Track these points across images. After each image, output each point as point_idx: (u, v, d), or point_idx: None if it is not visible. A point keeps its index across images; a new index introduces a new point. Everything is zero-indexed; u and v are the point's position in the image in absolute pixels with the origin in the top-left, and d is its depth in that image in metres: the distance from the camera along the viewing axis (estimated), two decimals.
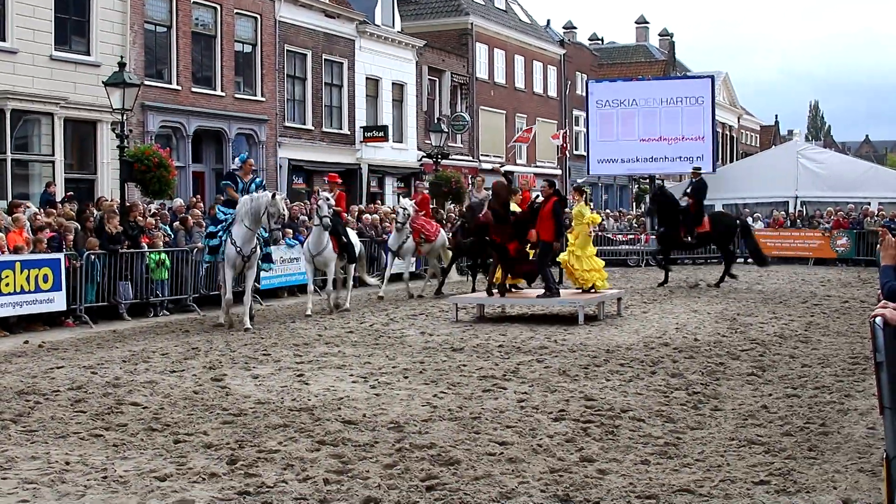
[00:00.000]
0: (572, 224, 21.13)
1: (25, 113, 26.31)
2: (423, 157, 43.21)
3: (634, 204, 59.12)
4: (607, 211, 49.93)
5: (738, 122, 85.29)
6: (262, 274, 21.27)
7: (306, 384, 12.01)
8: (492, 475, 7.85)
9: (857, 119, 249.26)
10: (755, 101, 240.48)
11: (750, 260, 38.23)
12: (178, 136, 31.88)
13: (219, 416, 10.10)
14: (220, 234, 18.49)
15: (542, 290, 19.39)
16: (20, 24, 26.04)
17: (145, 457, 8.50)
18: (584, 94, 48.48)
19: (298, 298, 22.48)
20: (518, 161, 52.70)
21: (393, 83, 43.47)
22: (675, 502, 7.22)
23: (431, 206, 36.32)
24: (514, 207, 20.15)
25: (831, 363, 13.49)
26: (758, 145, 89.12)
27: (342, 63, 40.10)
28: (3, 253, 18.01)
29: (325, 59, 39.03)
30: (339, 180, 22.82)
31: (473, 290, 24.08)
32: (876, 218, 36.47)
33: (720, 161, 56.13)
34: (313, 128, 38.38)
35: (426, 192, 28.43)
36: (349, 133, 40.51)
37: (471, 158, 48.98)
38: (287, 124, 36.90)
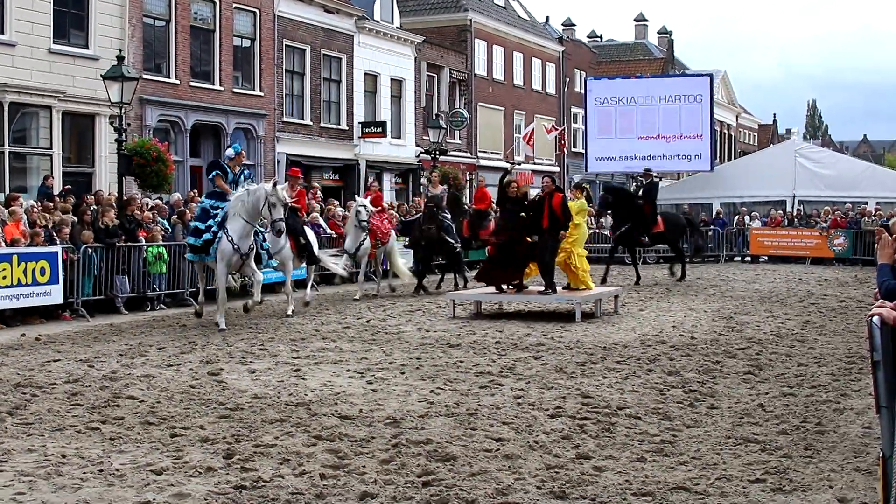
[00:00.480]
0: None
1: (23, 106, 26.30)
2: (422, 153, 43.20)
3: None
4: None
5: (737, 120, 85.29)
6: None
7: (303, 379, 12.01)
8: (488, 471, 7.86)
9: (854, 118, 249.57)
10: (753, 100, 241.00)
11: (747, 259, 38.53)
12: (177, 131, 31.86)
13: (215, 411, 10.10)
14: (212, 229, 17.16)
15: (542, 287, 19.40)
16: (19, 17, 26.01)
17: (142, 450, 8.50)
18: (582, 91, 48.52)
19: (296, 294, 22.37)
20: (516, 158, 52.70)
21: (391, 79, 43.45)
22: (671, 500, 7.22)
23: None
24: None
25: (828, 362, 13.50)
26: (756, 144, 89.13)
27: (341, 58, 40.08)
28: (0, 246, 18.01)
29: (324, 55, 39.01)
30: (300, 175, 22.44)
31: (418, 291, 24.18)
32: (873, 217, 36.48)
33: (718, 159, 56.13)
34: (311, 123, 38.36)
35: (378, 190, 27.50)
36: (347, 128, 40.50)
37: (469, 155, 48.98)
38: (285, 119, 36.89)
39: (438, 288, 25.22)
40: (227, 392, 11.15)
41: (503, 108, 52.94)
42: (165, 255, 20.77)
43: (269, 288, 23.74)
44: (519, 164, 51.38)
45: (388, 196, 40.64)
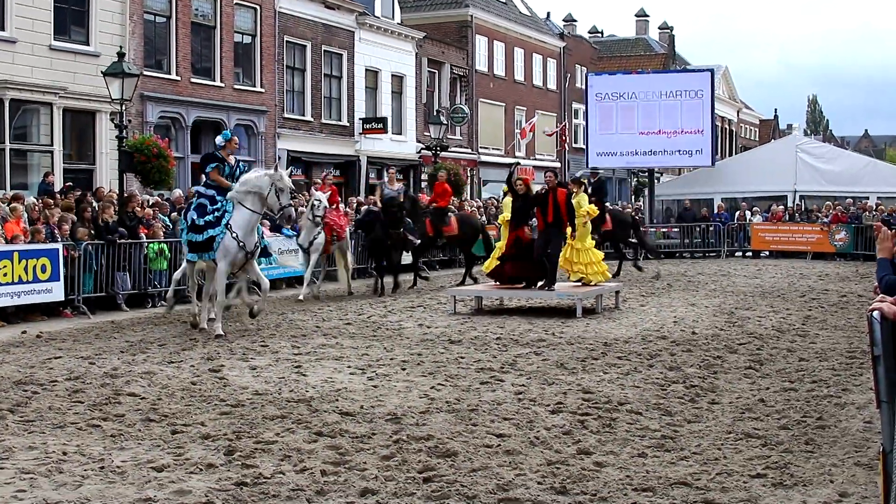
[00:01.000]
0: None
1: (24, 103, 26.29)
2: (422, 149, 43.19)
3: (633, 197, 59.13)
4: (606, 204, 49.94)
5: (738, 115, 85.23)
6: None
7: (304, 376, 12.01)
8: (489, 467, 7.86)
9: (855, 113, 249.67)
10: (754, 95, 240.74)
11: (748, 254, 38.53)
12: (177, 127, 31.86)
13: (216, 407, 10.10)
14: (214, 226, 15.85)
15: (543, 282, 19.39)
16: (19, 14, 26.01)
17: (143, 447, 8.51)
18: (583, 86, 48.42)
19: (296, 290, 22.41)
20: (517, 154, 52.67)
21: (392, 75, 43.42)
22: (671, 495, 7.22)
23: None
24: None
25: (829, 357, 13.50)
26: (757, 139, 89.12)
27: (342, 54, 40.06)
28: (1, 243, 18.01)
29: (325, 51, 38.99)
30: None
31: (377, 292, 22.82)
32: (874, 212, 36.47)
33: (719, 155, 56.11)
34: (312, 119, 38.34)
35: (333, 184, 26.36)
36: (348, 125, 40.48)
37: (470, 151, 48.97)
38: (286, 115, 36.87)
39: (394, 291, 23.44)
40: (228, 389, 11.16)
41: (504, 104, 52.91)
42: (167, 252, 20.76)
43: (270, 284, 23.65)
44: (518, 164, 51.27)
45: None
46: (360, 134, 40.82)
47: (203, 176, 16.82)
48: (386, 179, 25.08)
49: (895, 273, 6.87)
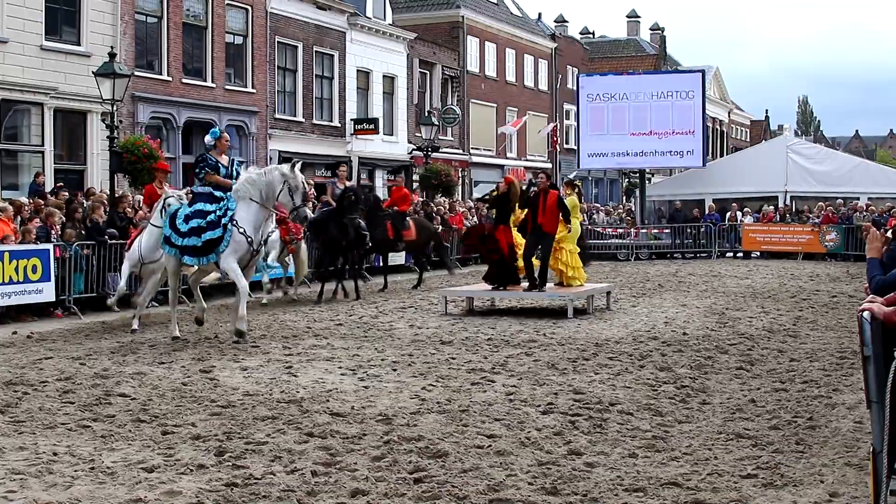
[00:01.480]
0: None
1: (15, 103, 26.28)
2: (414, 149, 43.21)
3: (625, 198, 59.21)
4: (597, 205, 50.05)
5: (729, 116, 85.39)
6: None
7: (295, 376, 12.00)
8: (480, 468, 7.86)
9: (846, 114, 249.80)
10: (745, 96, 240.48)
11: (739, 255, 38.58)
12: (169, 128, 31.85)
13: (207, 408, 10.09)
14: (217, 227, 14.81)
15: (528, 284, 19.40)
16: (10, 14, 25.98)
17: (133, 448, 8.49)
18: (574, 87, 48.50)
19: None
20: (508, 154, 52.71)
21: (384, 76, 43.44)
22: (662, 495, 7.22)
23: (422, 199, 36.44)
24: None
25: (819, 358, 13.52)
26: (748, 140, 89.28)
27: (333, 55, 40.07)
28: None
29: (316, 51, 39.01)
30: (170, 169, 20.89)
31: (320, 300, 21.46)
32: (865, 213, 36.54)
33: (710, 155, 56.19)
34: (304, 120, 38.35)
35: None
36: (339, 125, 40.49)
37: (461, 151, 49.00)
38: (278, 116, 36.88)
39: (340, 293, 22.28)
40: (218, 390, 11.14)
41: (495, 105, 52.95)
42: None
43: (259, 285, 23.56)
44: (505, 166, 51.31)
45: (380, 193, 40.60)
46: (352, 135, 40.86)
47: (196, 180, 15.71)
48: (336, 179, 23.98)
49: (885, 273, 6.89)
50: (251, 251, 14.99)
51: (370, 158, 42.04)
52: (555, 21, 68.56)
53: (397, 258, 28.65)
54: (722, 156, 69.09)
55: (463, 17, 49.86)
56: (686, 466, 7.95)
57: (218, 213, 14.89)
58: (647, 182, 46.20)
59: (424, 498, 7.15)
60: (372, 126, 41.11)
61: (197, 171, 15.50)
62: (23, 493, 7.19)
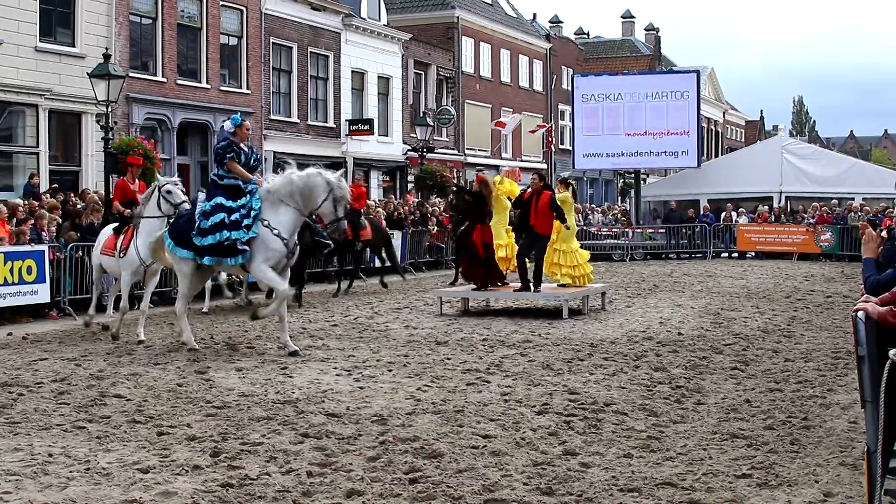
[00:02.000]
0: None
1: (10, 104, 26.24)
2: (409, 150, 43.21)
3: (620, 198, 59.24)
4: (593, 205, 50.06)
5: (724, 117, 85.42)
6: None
7: (290, 377, 12.01)
8: (475, 468, 7.87)
9: (841, 114, 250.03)
10: (740, 96, 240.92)
11: (734, 255, 38.61)
12: (163, 129, 31.81)
13: (202, 409, 10.09)
14: (238, 228, 13.73)
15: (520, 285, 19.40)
16: (5, 15, 25.93)
17: (128, 449, 8.49)
18: (569, 88, 48.53)
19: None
20: (504, 155, 52.70)
21: (378, 76, 43.42)
22: (657, 495, 7.24)
23: (417, 199, 36.45)
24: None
25: (814, 358, 13.55)
26: (743, 140, 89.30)
27: (328, 56, 40.05)
28: None
29: (311, 52, 38.98)
30: (142, 163, 19.53)
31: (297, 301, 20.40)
32: (860, 213, 36.59)
33: (705, 156, 56.19)
34: (299, 121, 38.32)
35: None
36: (335, 126, 40.47)
37: (456, 152, 48.99)
38: (272, 117, 36.85)
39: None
40: (214, 390, 11.15)
41: (490, 106, 52.94)
42: None
43: (255, 285, 23.45)
44: (500, 167, 51.31)
45: (376, 194, 40.59)
46: (347, 135, 40.83)
47: (217, 169, 14.51)
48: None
49: (880, 273, 6.91)
50: (289, 255, 14.00)
51: (365, 159, 42.02)
52: (549, 22, 68.51)
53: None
54: (717, 156, 69.11)
55: (458, 17, 49.86)
56: (681, 466, 7.96)
57: (242, 211, 13.83)
58: (642, 182, 46.26)
59: (420, 498, 7.16)
60: (367, 127, 41.09)
61: (220, 154, 14.26)
62: (18, 495, 7.19)
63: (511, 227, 21.50)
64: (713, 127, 79.67)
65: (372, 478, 7.60)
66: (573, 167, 46.10)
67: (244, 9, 35.00)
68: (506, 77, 54.98)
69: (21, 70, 26.22)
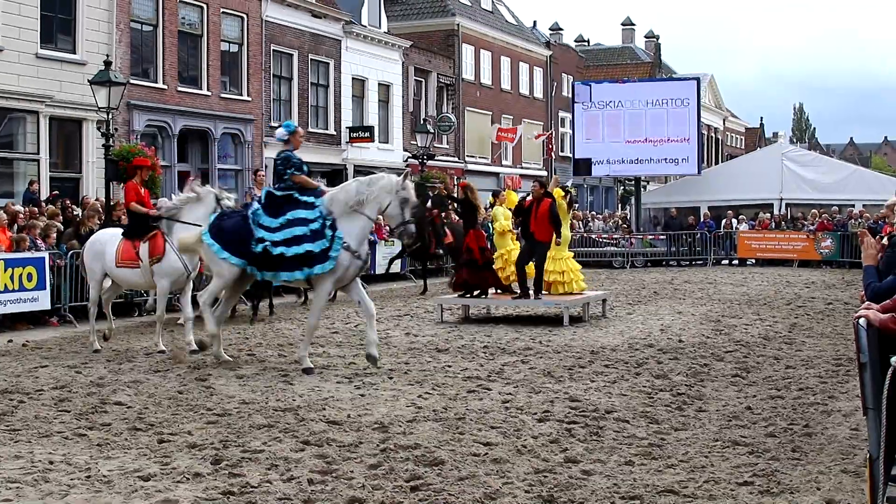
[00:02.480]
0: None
1: (10, 111, 26.23)
2: (409, 157, 43.21)
3: (620, 205, 59.22)
4: (593, 212, 50.04)
5: (724, 124, 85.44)
6: None
7: (291, 384, 12.00)
8: (476, 476, 7.86)
9: (841, 121, 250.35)
10: (740, 103, 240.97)
11: (735, 262, 38.59)
12: (164, 136, 31.79)
13: (203, 416, 10.08)
14: (321, 237, 13.08)
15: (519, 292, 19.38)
16: (6, 22, 25.95)
17: (129, 456, 8.48)
18: (570, 95, 48.53)
19: (283, 299, 22.27)
20: (504, 162, 52.71)
21: (379, 84, 43.43)
22: (659, 503, 7.23)
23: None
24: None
25: (815, 365, 13.53)
26: (743, 147, 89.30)
27: (328, 63, 40.06)
28: None
29: (312, 59, 38.99)
30: (150, 165, 18.18)
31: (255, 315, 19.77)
32: (860, 220, 36.57)
33: (705, 163, 56.21)
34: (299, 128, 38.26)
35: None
36: (335, 133, 40.47)
37: (456, 159, 48.98)
38: (273, 124, 36.72)
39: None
40: (214, 398, 11.14)
41: (491, 113, 52.94)
42: None
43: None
44: (500, 174, 51.31)
45: None
46: (347, 143, 40.82)
47: (276, 179, 13.90)
48: (253, 184, 21.75)
49: (881, 280, 6.90)
50: (359, 266, 13.48)
51: (366, 166, 41.90)
52: (550, 29, 68.55)
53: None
54: (717, 163, 69.10)
55: (458, 24, 49.88)
56: (682, 474, 7.95)
57: (322, 221, 13.20)
58: (642, 189, 46.24)
59: None
60: (367, 134, 41.09)
61: (281, 170, 13.72)
62: (19, 502, 7.18)
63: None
64: (713, 134, 79.71)
65: (373, 485, 7.59)
66: (573, 174, 46.07)
67: (245, 16, 35.01)
68: (506, 84, 55.00)
69: (22, 77, 26.21)
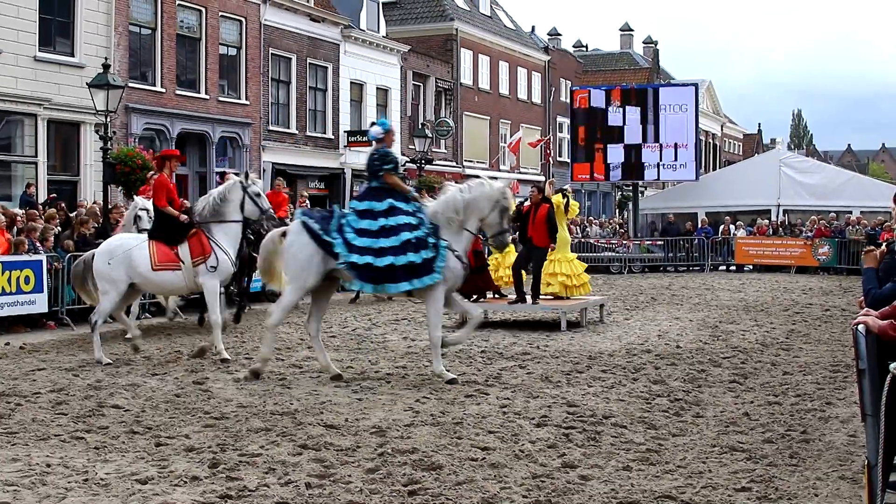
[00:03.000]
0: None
1: (8, 114, 26.26)
2: (407, 162, 43.21)
3: (617, 211, 59.26)
4: (591, 217, 50.06)
5: (722, 130, 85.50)
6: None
7: (288, 388, 11.99)
8: (474, 480, 7.85)
9: (839, 127, 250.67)
10: (738, 109, 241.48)
11: (732, 268, 38.60)
12: (162, 139, 31.81)
13: (200, 420, 10.07)
14: (426, 246, 12.40)
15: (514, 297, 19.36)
16: (4, 25, 25.96)
17: (126, 459, 8.47)
18: (568, 100, 48.55)
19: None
20: (502, 167, 52.74)
21: (377, 88, 43.47)
22: None
23: None
24: None
25: (812, 371, 13.53)
26: (741, 153, 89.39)
27: (327, 67, 40.10)
28: None
29: (310, 63, 39.03)
30: (179, 154, 16.67)
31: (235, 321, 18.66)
32: (858, 227, 36.61)
33: (703, 169, 56.24)
34: (297, 132, 38.35)
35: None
36: (333, 137, 40.50)
37: (454, 164, 49.01)
38: (271, 128, 36.87)
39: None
40: (212, 401, 11.12)
41: (489, 117, 53.00)
42: None
43: (255, 297, 23.39)
44: (498, 179, 51.28)
45: None
46: (345, 147, 40.86)
47: (370, 177, 13.30)
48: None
49: (881, 286, 6.91)
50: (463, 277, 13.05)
51: (363, 171, 41.98)
52: (548, 34, 68.62)
53: None
54: (715, 169, 69.18)
55: (456, 29, 49.94)
56: (680, 479, 7.95)
57: (423, 231, 12.54)
58: (640, 195, 46.25)
59: None
60: (365, 138, 41.07)
61: (377, 165, 13.05)
62: None
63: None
64: (711, 140, 79.76)
65: (371, 490, 7.58)
66: (571, 179, 46.07)
67: (243, 19, 35.05)
68: (504, 89, 55.05)
69: (20, 79, 26.24)
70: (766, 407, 10.97)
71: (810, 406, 11.03)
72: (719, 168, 69.92)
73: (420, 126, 43.84)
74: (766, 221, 40.13)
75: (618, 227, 44.29)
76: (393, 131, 13.58)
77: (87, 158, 28.20)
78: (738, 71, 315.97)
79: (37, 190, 25.25)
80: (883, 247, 7.78)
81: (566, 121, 52.01)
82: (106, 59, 24.99)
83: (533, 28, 64.41)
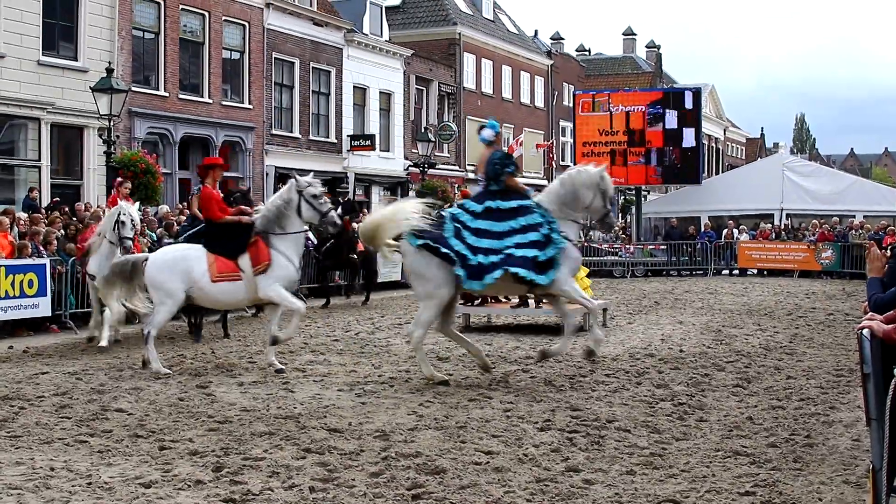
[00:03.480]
0: None
1: (12, 118, 26.28)
2: (410, 166, 43.25)
3: (620, 215, 59.25)
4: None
5: (724, 134, 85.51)
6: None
7: (292, 392, 11.99)
8: (478, 484, 7.85)
9: (841, 131, 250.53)
10: (741, 114, 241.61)
11: (735, 272, 38.58)
12: (165, 143, 31.86)
13: (204, 424, 10.07)
14: (551, 243, 12.43)
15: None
16: (8, 29, 25.99)
17: (130, 463, 8.47)
18: (571, 104, 48.56)
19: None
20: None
21: (380, 92, 43.50)
22: None
23: None
24: None
25: (816, 375, 13.52)
26: (743, 158, 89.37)
27: (330, 71, 40.13)
28: None
29: (313, 68, 39.07)
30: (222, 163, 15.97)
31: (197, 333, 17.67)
32: (861, 231, 36.58)
33: (706, 173, 56.21)
34: (300, 136, 38.38)
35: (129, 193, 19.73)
36: (336, 141, 40.53)
37: (457, 168, 49.02)
38: (274, 132, 36.89)
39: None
40: (215, 405, 11.12)
41: None
42: None
43: None
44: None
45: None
46: (348, 151, 40.89)
47: (491, 181, 13.06)
48: (194, 196, 18.79)
49: (884, 291, 6.91)
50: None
51: (367, 175, 42.09)
52: (551, 38, 68.67)
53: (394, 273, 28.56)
54: (718, 173, 69.17)
55: (460, 34, 49.97)
56: (684, 484, 7.94)
57: (549, 225, 12.59)
58: (642, 199, 46.25)
59: None
60: (368, 142, 41.17)
61: (498, 168, 12.95)
62: None
63: None
64: (714, 144, 79.75)
65: (374, 493, 7.59)
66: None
67: (246, 24, 35.09)
68: (507, 93, 55.07)
69: (23, 83, 26.26)
70: (769, 411, 10.96)
71: (814, 410, 11.02)
72: (722, 172, 69.92)
73: (423, 130, 43.88)
74: (770, 225, 40.08)
75: (621, 231, 44.27)
76: (500, 134, 13.73)
77: (90, 162, 28.21)
78: (740, 75, 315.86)
79: (40, 194, 25.25)
80: (887, 251, 7.77)
81: (569, 125, 51.98)
82: (109, 63, 25.05)
83: (536, 32, 64.42)
